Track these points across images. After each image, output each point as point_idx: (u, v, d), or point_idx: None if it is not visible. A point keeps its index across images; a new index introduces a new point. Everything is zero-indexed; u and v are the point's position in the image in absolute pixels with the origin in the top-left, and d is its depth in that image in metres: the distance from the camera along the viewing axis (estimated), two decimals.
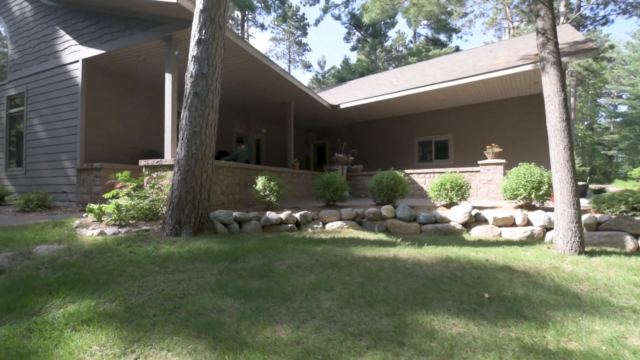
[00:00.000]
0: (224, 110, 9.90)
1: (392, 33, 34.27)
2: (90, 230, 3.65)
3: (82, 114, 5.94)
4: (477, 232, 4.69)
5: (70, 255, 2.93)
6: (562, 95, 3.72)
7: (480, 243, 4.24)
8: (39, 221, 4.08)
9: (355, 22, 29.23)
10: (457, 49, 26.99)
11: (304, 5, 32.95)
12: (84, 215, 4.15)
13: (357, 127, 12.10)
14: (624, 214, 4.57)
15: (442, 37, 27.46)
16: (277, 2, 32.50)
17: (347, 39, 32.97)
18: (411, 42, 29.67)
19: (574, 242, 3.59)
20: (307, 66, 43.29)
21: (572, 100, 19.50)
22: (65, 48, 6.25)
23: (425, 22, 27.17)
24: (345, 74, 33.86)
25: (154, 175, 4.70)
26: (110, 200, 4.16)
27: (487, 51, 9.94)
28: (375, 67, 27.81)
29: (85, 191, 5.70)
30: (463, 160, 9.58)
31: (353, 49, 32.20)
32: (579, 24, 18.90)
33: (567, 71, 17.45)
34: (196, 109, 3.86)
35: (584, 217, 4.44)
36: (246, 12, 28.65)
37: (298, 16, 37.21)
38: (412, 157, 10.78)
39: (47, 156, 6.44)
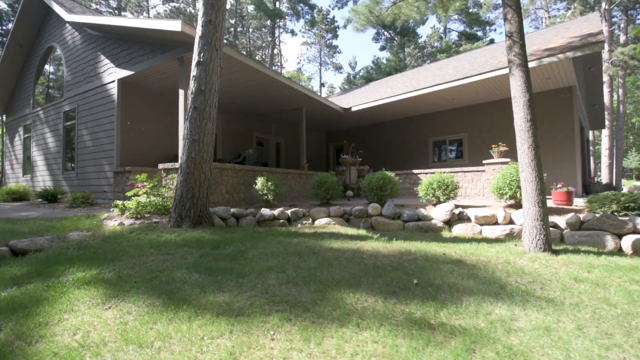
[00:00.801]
0: (244, 117, 10.75)
1: (426, 30, 33.58)
2: (113, 221, 4.49)
3: (118, 125, 7.01)
4: (458, 230, 4.85)
5: (92, 240, 3.73)
6: (526, 97, 3.83)
7: (453, 240, 4.42)
8: (78, 214, 5.05)
9: (382, 21, 29.14)
10: (491, 42, 25.76)
11: (333, 9, 33.54)
12: (111, 210, 5.04)
13: (372, 128, 12.33)
14: (614, 213, 4.44)
15: (476, 30, 26.36)
16: (306, 8, 33.42)
17: (375, 39, 32.92)
18: (442, 38, 28.85)
19: (538, 239, 3.68)
20: (338, 68, 43.76)
21: (620, 91, 17.82)
22: (105, 70, 7.40)
23: (456, 16, 26.31)
24: (375, 75, 33.82)
25: (168, 176, 5.51)
26: (132, 197, 5.02)
27: (501, 48, 9.68)
28: (403, 66, 27.49)
29: (119, 190, 6.74)
30: (478, 159, 9.45)
31: (382, 48, 32.11)
32: (626, 8, 17.23)
33: (609, 61, 16.01)
34: (196, 121, 4.55)
35: (568, 216, 4.43)
36: (276, 20, 29.87)
37: (328, 19, 37.82)
38: (426, 157, 10.79)
39: (92, 161, 7.66)
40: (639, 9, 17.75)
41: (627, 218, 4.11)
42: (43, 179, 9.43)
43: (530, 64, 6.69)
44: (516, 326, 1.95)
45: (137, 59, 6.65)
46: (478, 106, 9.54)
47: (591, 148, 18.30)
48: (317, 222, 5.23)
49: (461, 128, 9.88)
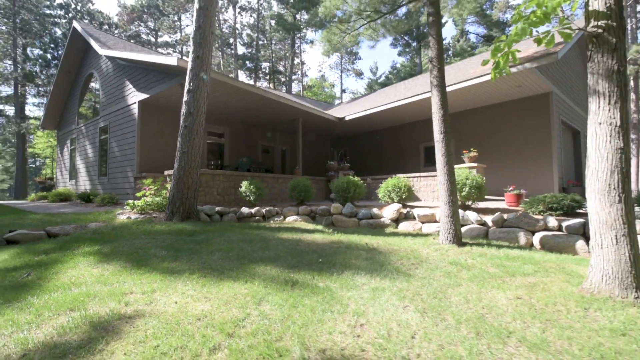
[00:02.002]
0: (249, 127, 12.00)
1: (447, 32, 33.39)
2: (123, 216, 5.77)
3: (138, 139, 8.47)
4: (403, 227, 5.57)
5: (104, 229, 4.99)
6: (441, 112, 4.54)
7: (391, 234, 5.17)
8: (101, 211, 6.44)
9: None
10: None
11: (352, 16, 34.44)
12: (125, 207, 6.37)
13: (369, 135, 13.08)
14: (541, 213, 4.93)
15: (495, 32, 25.96)
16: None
17: (393, 44, 33.31)
18: (458, 41, 28.65)
19: (449, 233, 4.36)
20: (359, 74, 44.46)
21: None
22: (129, 93, 8.96)
23: (473, 19, 26.14)
24: (394, 80, 34.20)
25: (169, 181, 6.76)
26: (141, 197, 6.31)
27: (478, 60, 10.08)
28: (419, 71, 27.70)
29: (138, 191, 8.15)
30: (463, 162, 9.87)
31: (400, 53, 32.42)
32: None
33: (628, 59, 15.39)
34: (185, 137, 5.72)
35: (495, 215, 4.99)
36: (295, 33, 31.39)
37: (349, 27, 38.73)
38: (418, 162, 11.34)
39: (119, 168, 9.22)
40: None
41: (540, 217, 4.63)
42: (84, 183, 11.29)
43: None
44: (359, 287, 2.77)
45: (152, 84, 8.07)
46: (463, 113, 10.00)
47: None
48: (287, 219, 6.19)
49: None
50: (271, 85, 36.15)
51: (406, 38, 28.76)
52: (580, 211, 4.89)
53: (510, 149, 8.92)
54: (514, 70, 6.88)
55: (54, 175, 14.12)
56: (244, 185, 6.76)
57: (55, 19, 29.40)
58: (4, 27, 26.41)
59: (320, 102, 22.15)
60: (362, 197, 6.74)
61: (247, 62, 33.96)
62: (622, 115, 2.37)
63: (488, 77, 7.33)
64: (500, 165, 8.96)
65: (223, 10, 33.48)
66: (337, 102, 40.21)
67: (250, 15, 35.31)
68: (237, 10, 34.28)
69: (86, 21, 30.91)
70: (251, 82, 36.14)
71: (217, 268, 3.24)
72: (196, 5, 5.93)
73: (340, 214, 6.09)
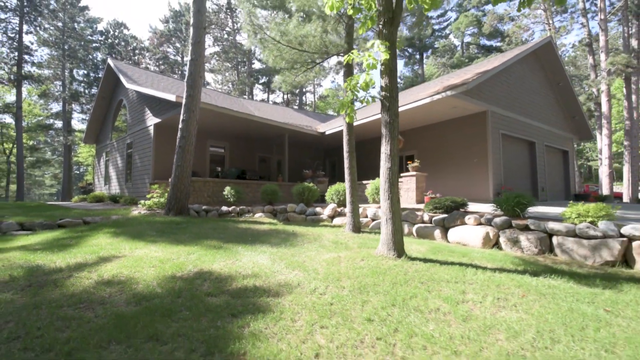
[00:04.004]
0: (246, 141, 14.13)
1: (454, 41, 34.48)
2: (136, 211, 7.96)
3: (153, 153, 10.80)
4: (336, 221, 7.30)
5: (121, 219, 7.15)
6: (347, 137, 6.28)
7: (321, 226, 6.92)
8: (121, 208, 8.71)
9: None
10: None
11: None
12: (138, 206, 8.58)
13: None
14: (431, 211, 6.47)
15: (495, 43, 26.74)
16: None
17: (400, 56, 34.67)
18: (455, 51, 29.60)
19: (351, 224, 6.08)
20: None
21: (633, 97, 17.35)
22: (147, 117, 11.36)
23: (474, 30, 27.07)
24: (402, 88, 35.60)
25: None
26: (150, 198, 8.50)
27: (433, 84, 11.56)
28: (421, 80, 28.92)
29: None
30: (424, 171, 11.38)
31: (405, 64, 33.80)
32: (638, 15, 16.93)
33: (605, 70, 15.99)
34: (179, 155, 7.84)
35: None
36: None
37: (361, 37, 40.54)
38: None
39: (139, 176, 11.62)
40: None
41: (420, 212, 6.21)
42: (114, 187, 13.91)
43: (426, 100, 8.77)
44: (255, 250, 4.63)
45: (162, 111, 10.38)
46: (421, 128, 11.52)
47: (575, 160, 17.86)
48: (255, 216, 8.11)
49: (412, 146, 11.90)
50: (285, 98, 38.61)
51: (409, 50, 30.11)
52: (463, 210, 6.39)
53: (454, 160, 10.34)
54: (438, 97, 8.43)
55: (93, 181, 17.05)
56: (227, 190, 8.78)
57: (96, 44, 33.71)
58: (54, 53, 30.87)
59: (321, 114, 24.03)
60: (317, 199, 8.53)
61: (260, 77, 36.60)
62: (392, 148, 4.09)
63: (422, 102, 8.92)
64: (445, 174, 10.40)
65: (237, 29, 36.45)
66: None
67: None
68: None
69: (122, 44, 35.09)
70: (265, 95, 38.78)
71: (181, 241, 5.21)
72: (188, 58, 8.08)
73: (293, 212, 7.92)
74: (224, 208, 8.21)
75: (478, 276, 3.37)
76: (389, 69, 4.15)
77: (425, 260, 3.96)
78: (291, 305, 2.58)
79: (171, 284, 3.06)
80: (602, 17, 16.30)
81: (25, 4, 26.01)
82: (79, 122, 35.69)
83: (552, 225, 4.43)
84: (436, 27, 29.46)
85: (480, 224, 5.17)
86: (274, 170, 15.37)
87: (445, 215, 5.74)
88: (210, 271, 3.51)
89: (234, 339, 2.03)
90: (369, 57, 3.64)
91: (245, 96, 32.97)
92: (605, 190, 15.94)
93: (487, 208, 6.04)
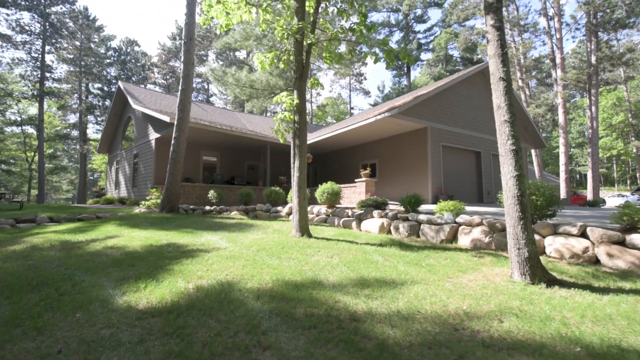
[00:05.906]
0: (236, 150, 16.22)
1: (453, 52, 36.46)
2: (137, 210, 10.06)
3: (154, 162, 12.96)
4: (291, 217, 9.21)
5: (125, 215, 9.23)
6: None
7: (277, 220, 8.84)
8: (126, 208, 10.84)
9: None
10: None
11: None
12: (140, 206, 10.69)
13: (330, 154, 16.75)
14: (365, 208, 8.33)
15: (477, 54, 28.50)
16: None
17: (393, 68, 36.61)
18: (441, 63, 31.42)
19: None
20: (366, 92, 48.02)
21: (593, 109, 18.86)
22: (150, 132, 13.56)
23: (454, 44, 28.84)
24: (395, 96, 37.55)
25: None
26: (149, 200, 10.60)
27: (380, 107, 13.43)
28: (408, 90, 30.80)
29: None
30: (383, 177, 13.26)
31: (395, 75, 35.71)
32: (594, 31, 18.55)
33: (561, 85, 17.63)
34: (171, 165, 9.92)
35: (332, 209, 8.48)
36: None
37: (357, 50, 42.70)
38: (358, 175, 14.79)
39: (143, 181, 13.79)
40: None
41: (348, 210, 8.09)
42: (123, 191, 16.15)
43: (371, 120, 10.68)
44: (214, 233, 6.62)
45: (162, 127, 12.55)
46: (381, 141, 13.42)
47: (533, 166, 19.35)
48: (231, 214, 10.10)
49: (374, 155, 13.79)
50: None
51: (399, 62, 32.09)
52: (387, 208, 8.24)
53: (404, 167, 12.18)
54: (380, 117, 10.33)
55: (105, 186, 19.41)
56: (211, 193, 10.83)
57: (109, 60, 36.69)
58: (72, 69, 33.85)
59: (312, 125, 26.05)
60: (283, 200, 10.48)
61: None
62: (301, 162, 6.05)
63: (368, 121, 10.84)
64: (399, 179, 12.24)
65: None
66: (347, 117, 44.04)
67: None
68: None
69: (133, 61, 37.99)
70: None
71: (165, 228, 7.23)
72: (180, 87, 10.22)
73: (261, 210, 9.89)
74: (207, 207, 10.23)
75: (343, 246, 5.26)
76: (299, 109, 6.13)
77: (325, 239, 5.86)
78: (210, 255, 4.54)
79: (148, 248, 5.05)
80: (559, 36, 17.96)
81: (47, 27, 29.00)
82: (93, 132, 38.64)
83: (420, 217, 6.28)
84: (422, 40, 31.52)
85: (381, 217, 7.03)
86: (261, 176, 17.41)
87: (362, 211, 7.61)
88: (176, 243, 5.50)
89: (171, 265, 4.00)
90: (287, 100, 5.64)
91: (242, 108, 35.25)
92: (562, 194, 17.43)
93: (400, 207, 7.90)
